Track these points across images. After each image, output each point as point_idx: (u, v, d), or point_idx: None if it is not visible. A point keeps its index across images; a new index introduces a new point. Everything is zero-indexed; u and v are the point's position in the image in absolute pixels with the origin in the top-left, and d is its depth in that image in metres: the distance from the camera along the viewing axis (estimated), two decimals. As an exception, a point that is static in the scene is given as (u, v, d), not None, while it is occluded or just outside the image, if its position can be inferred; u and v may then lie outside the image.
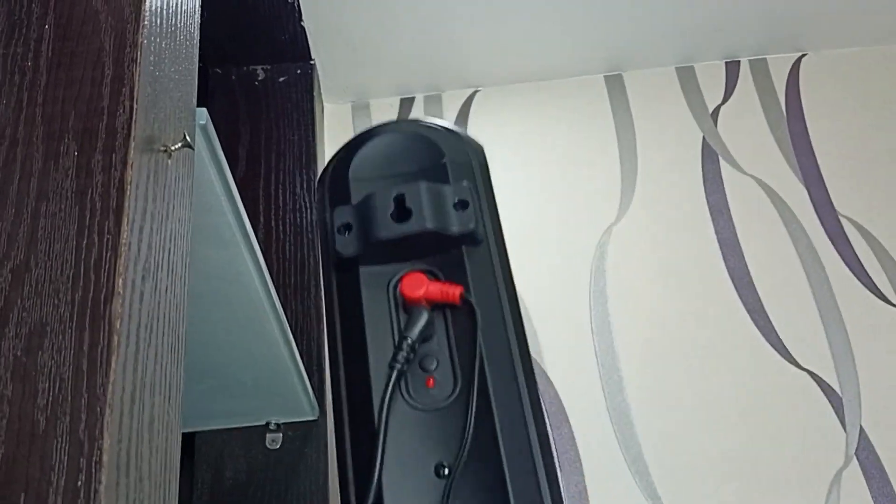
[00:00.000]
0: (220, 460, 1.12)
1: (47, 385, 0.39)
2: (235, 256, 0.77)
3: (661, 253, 1.37)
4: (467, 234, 0.44)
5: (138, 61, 0.49)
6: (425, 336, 0.43)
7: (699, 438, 1.22)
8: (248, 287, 0.81)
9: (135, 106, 0.47)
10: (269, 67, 1.47)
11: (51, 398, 0.39)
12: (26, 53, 0.49)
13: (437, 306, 0.44)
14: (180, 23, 0.59)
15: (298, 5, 1.36)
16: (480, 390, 0.39)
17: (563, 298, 1.31)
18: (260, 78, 1.46)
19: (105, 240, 0.43)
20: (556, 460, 0.33)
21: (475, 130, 1.49)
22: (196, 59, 0.63)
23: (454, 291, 0.43)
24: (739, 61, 1.58)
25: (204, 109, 0.63)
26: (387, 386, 0.41)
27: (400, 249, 0.45)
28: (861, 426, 1.21)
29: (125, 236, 0.43)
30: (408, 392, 0.41)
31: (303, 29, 1.41)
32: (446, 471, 0.37)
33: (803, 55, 1.58)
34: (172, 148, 0.52)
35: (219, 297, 0.80)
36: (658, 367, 1.27)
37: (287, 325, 0.93)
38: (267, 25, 1.40)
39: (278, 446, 1.12)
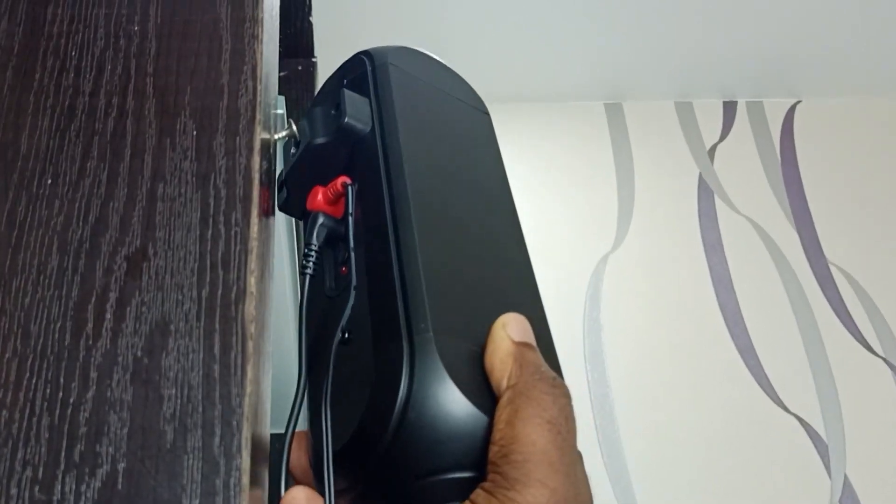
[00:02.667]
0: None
1: (174, 392, 0.34)
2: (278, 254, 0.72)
3: (655, 285, 1.37)
4: (344, 131, 0.44)
5: (260, 38, 0.44)
6: (335, 235, 0.43)
7: (688, 474, 1.21)
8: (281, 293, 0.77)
9: (258, 87, 0.43)
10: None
11: (178, 407, 0.34)
12: (132, 16, 0.45)
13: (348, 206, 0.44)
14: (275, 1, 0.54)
15: (310, 0, 1.31)
16: (359, 255, 0.41)
17: (558, 324, 1.29)
18: (259, 71, 1.40)
19: (233, 232, 0.38)
20: (423, 290, 0.36)
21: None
22: (277, 41, 0.59)
23: (338, 183, 0.43)
24: (737, 102, 1.59)
25: (283, 97, 0.59)
26: (301, 293, 0.42)
27: (305, 179, 0.45)
28: (846, 474, 1.22)
29: (255, 230, 0.39)
30: (331, 287, 0.43)
31: (310, 25, 1.36)
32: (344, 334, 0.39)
33: (798, 102, 1.60)
34: (276, 137, 0.48)
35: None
36: (649, 400, 1.26)
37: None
38: (274, 17, 1.34)
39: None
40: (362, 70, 0.47)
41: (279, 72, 1.41)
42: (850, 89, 1.59)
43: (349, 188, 0.43)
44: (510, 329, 0.36)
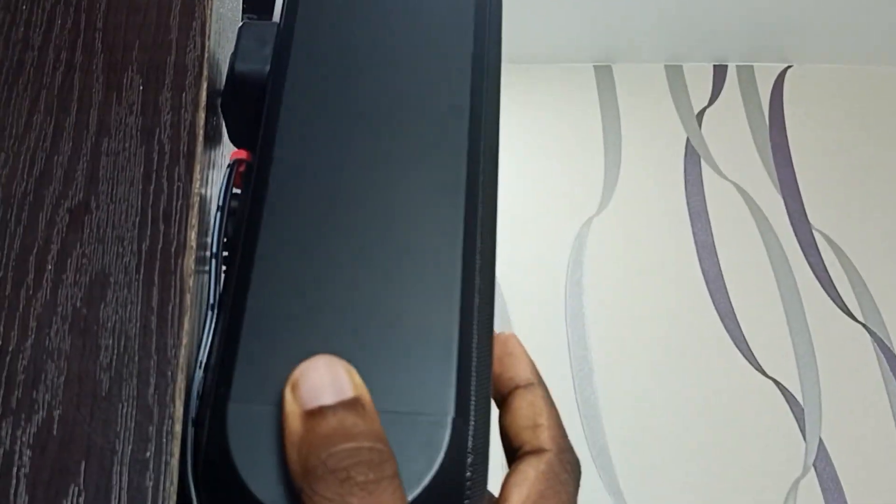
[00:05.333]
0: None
1: (111, 342, 0.35)
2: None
3: (638, 249, 1.37)
4: (236, 83, 0.36)
5: (210, -7, 0.44)
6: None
7: (664, 436, 1.22)
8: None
9: (206, 43, 0.43)
10: (255, 17, 1.41)
11: (115, 357, 0.35)
12: (83, -29, 0.44)
13: None
14: (235, -42, 0.54)
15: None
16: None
17: (540, 286, 1.30)
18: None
19: (175, 187, 0.39)
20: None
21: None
22: (241, -1, 0.59)
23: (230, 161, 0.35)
24: (727, 66, 1.58)
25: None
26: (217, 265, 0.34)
27: (238, 141, 0.40)
28: (821, 437, 1.23)
29: (197, 185, 0.39)
30: None
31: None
32: None
33: (789, 66, 1.59)
34: (229, 93, 0.48)
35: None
36: (628, 362, 1.27)
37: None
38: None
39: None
40: None
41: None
42: (842, 56, 1.58)
43: (229, 169, 0.35)
44: (302, 391, 0.26)
